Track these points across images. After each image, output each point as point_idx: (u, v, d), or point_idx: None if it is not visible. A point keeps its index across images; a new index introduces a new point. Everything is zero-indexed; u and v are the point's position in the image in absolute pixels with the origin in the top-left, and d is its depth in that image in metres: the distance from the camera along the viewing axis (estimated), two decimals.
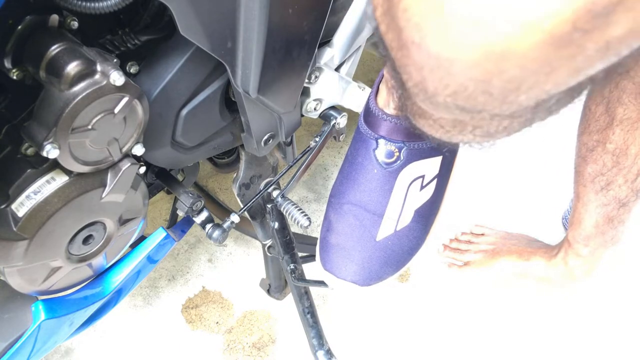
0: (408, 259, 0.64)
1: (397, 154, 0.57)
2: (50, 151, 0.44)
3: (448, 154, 0.62)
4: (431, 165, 0.60)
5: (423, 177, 0.60)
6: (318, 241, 0.66)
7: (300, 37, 0.52)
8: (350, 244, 0.61)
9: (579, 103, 0.74)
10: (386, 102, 0.57)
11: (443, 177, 0.63)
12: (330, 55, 0.62)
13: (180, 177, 0.75)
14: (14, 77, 0.44)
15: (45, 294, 0.58)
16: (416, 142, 0.57)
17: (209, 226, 0.66)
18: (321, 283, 0.67)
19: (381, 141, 0.57)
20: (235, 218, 0.66)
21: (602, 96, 0.68)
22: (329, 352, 0.80)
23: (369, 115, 0.58)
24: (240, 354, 0.92)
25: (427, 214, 0.63)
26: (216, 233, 0.65)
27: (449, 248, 1.03)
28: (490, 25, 0.26)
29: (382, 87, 0.58)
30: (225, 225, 0.65)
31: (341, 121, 0.68)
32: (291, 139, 0.69)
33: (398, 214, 0.60)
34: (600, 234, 0.82)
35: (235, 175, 0.72)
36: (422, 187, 0.61)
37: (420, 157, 0.59)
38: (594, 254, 0.86)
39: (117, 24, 0.51)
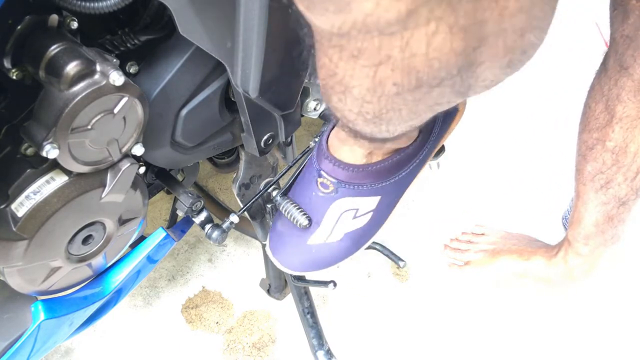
0: (336, 262, 0.66)
1: (332, 187, 0.61)
2: (50, 151, 0.44)
3: (388, 196, 0.64)
4: (366, 203, 0.62)
5: (357, 210, 0.62)
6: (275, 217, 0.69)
7: (301, 37, 0.52)
8: (288, 236, 0.65)
9: (580, 102, 0.74)
10: (334, 144, 0.60)
11: (380, 212, 0.64)
12: None
13: (180, 177, 0.75)
14: (14, 77, 0.44)
15: (45, 294, 0.58)
16: (351, 185, 0.60)
17: (208, 226, 0.66)
18: (321, 283, 0.67)
19: (321, 172, 0.61)
20: (234, 218, 0.66)
21: (602, 94, 0.68)
22: (329, 352, 0.80)
23: (319, 148, 0.61)
24: (240, 354, 0.92)
25: (358, 237, 0.65)
26: (215, 233, 0.65)
27: (450, 248, 1.03)
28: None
29: (336, 128, 0.60)
30: (225, 225, 0.65)
31: None
32: (291, 139, 0.69)
33: (330, 230, 0.63)
34: (600, 232, 0.82)
35: (235, 175, 0.72)
36: (355, 217, 0.63)
37: (354, 195, 0.61)
38: (594, 253, 0.86)
39: (117, 24, 0.50)
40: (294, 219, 0.68)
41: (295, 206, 0.69)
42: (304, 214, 0.68)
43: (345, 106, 0.41)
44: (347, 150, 0.59)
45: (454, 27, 0.31)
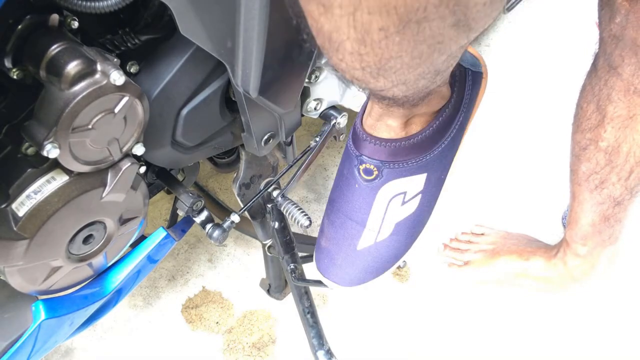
0: (388, 267, 0.65)
1: (377, 172, 0.59)
2: (51, 151, 0.44)
3: (434, 172, 0.63)
4: (414, 183, 0.61)
5: (405, 193, 0.61)
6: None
7: (301, 37, 0.52)
8: (335, 249, 0.64)
9: (572, 102, 0.74)
10: (368, 123, 0.59)
11: (429, 192, 0.63)
12: None
13: (180, 177, 0.75)
14: (14, 77, 0.44)
15: (45, 293, 0.58)
16: (395, 163, 0.59)
17: (209, 226, 0.66)
18: (321, 283, 0.67)
19: (362, 159, 0.59)
20: (235, 218, 0.66)
21: (593, 94, 0.69)
22: (329, 352, 0.80)
23: (354, 133, 0.60)
24: (240, 354, 0.92)
25: (409, 227, 0.64)
26: (216, 233, 0.65)
27: (449, 248, 1.03)
28: None
29: (368, 107, 0.59)
30: (225, 225, 0.65)
31: (341, 121, 0.68)
32: (291, 139, 0.70)
33: (378, 226, 0.62)
34: (597, 232, 0.82)
35: (235, 175, 0.72)
36: (403, 202, 0.62)
37: (400, 176, 0.60)
38: (592, 254, 0.86)
39: (118, 23, 0.51)
40: (294, 219, 0.69)
41: (295, 207, 0.69)
42: (305, 214, 0.68)
43: (347, 65, 0.40)
44: (384, 127, 0.57)
45: None
